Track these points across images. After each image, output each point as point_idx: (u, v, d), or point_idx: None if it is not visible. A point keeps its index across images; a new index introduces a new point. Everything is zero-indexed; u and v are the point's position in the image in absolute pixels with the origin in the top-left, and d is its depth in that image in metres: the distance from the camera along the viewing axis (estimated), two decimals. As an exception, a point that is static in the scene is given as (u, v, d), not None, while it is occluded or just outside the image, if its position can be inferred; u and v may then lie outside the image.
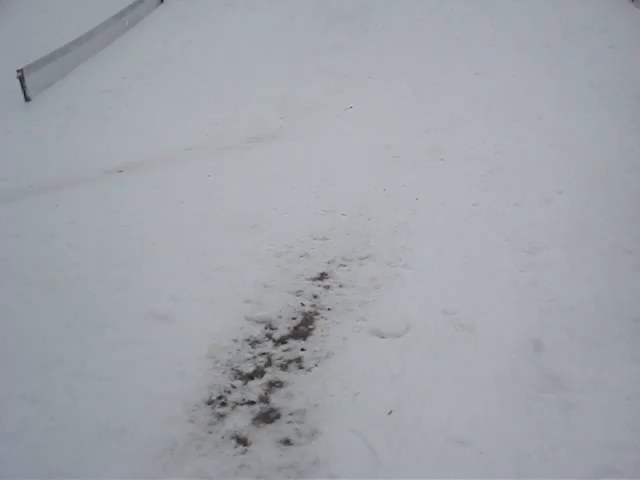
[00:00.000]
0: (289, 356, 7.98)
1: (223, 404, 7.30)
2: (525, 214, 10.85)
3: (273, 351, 8.09)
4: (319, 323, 8.53)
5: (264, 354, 8.04)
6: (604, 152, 12.71)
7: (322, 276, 9.56)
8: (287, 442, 6.76)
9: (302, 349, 8.08)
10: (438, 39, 20.55)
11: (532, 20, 21.29)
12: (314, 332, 8.37)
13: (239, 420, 7.06)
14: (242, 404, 7.29)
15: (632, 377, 7.11)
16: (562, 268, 9.19)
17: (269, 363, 7.89)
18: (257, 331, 8.43)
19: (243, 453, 6.66)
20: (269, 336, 8.36)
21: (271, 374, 7.70)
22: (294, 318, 8.66)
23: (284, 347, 8.14)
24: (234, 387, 7.54)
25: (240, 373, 7.76)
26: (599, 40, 18.77)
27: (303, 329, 8.46)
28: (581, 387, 7.03)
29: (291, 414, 7.09)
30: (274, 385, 7.55)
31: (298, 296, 9.10)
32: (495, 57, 18.52)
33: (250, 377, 7.68)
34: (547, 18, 21.28)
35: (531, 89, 16.10)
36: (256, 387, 7.51)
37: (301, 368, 7.77)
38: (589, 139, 13.31)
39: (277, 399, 7.33)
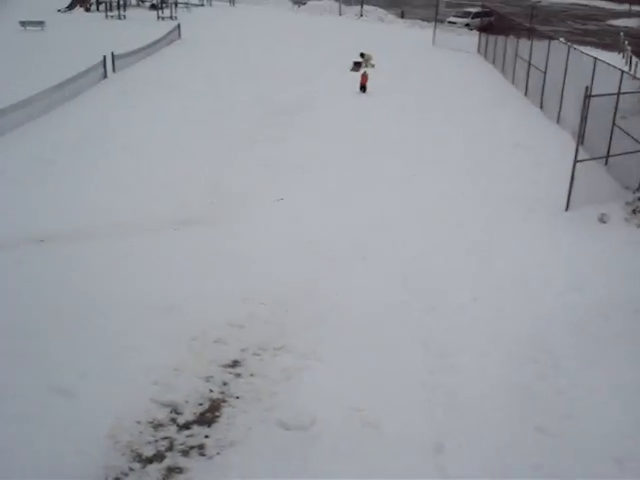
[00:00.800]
0: (192, 442, 7.84)
1: (118, 487, 7.10)
2: (440, 318, 11.09)
3: (176, 436, 7.94)
4: (226, 411, 8.44)
5: (166, 438, 7.88)
6: (519, 264, 13.20)
7: (234, 363, 9.52)
8: (179, 532, 6.60)
9: (206, 436, 7.96)
10: (372, 140, 21.35)
11: (462, 133, 22.40)
12: (220, 419, 8.27)
13: (133, 505, 6.86)
14: (138, 488, 7.09)
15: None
16: (470, 373, 9.38)
17: (171, 448, 7.73)
18: (162, 414, 8.28)
19: (132, 540, 6.46)
20: (174, 420, 8.21)
21: (171, 459, 7.54)
22: (201, 404, 8.55)
23: (188, 432, 8.01)
24: (132, 470, 7.34)
25: (140, 456, 7.57)
26: (524, 157, 19.83)
27: (209, 416, 8.35)
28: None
29: (186, 502, 6.94)
30: (173, 471, 7.38)
31: (208, 382, 9.02)
32: (423, 165, 19.28)
33: (150, 461, 7.50)
34: (478, 132, 22.45)
35: (455, 198, 16.74)
36: (154, 471, 7.34)
37: (203, 455, 7.64)
38: (505, 251, 13.82)
39: (175, 485, 7.16)
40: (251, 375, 9.23)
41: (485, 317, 11.17)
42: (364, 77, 28.15)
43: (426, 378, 9.23)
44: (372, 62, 32.13)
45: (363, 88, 28.00)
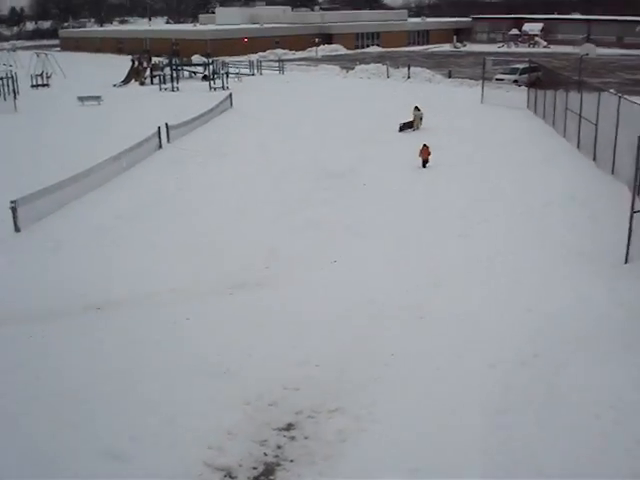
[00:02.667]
0: (246, 507, 7.75)
1: None
2: (499, 376, 10.81)
3: (230, 501, 7.86)
4: (280, 474, 8.34)
5: (220, 504, 7.81)
6: (580, 320, 12.85)
7: (289, 427, 9.42)
8: None
9: (260, 501, 7.86)
10: (422, 200, 21.37)
11: (517, 187, 22.26)
12: (274, 484, 8.16)
13: None
14: None
15: None
16: (529, 431, 9.07)
17: (225, 514, 7.65)
18: (216, 479, 8.20)
19: None
20: (228, 485, 8.15)
21: (226, 526, 7.44)
22: (255, 468, 8.47)
23: (242, 497, 7.92)
24: (186, 537, 7.27)
25: (194, 523, 7.50)
26: (580, 211, 19.54)
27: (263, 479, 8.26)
28: None
29: None
30: (228, 538, 7.27)
31: (262, 445, 8.94)
32: (478, 221, 19.15)
33: (205, 528, 7.42)
34: (532, 187, 22.29)
35: (512, 252, 16.53)
36: (209, 539, 7.24)
37: (258, 521, 7.53)
38: (565, 307, 13.49)
39: None
40: (306, 438, 9.12)
41: (546, 375, 10.85)
42: (426, 151, 25.69)
43: (485, 438, 8.95)
44: (420, 118, 32.56)
45: (424, 163, 25.65)
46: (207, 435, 9.04)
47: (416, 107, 33.02)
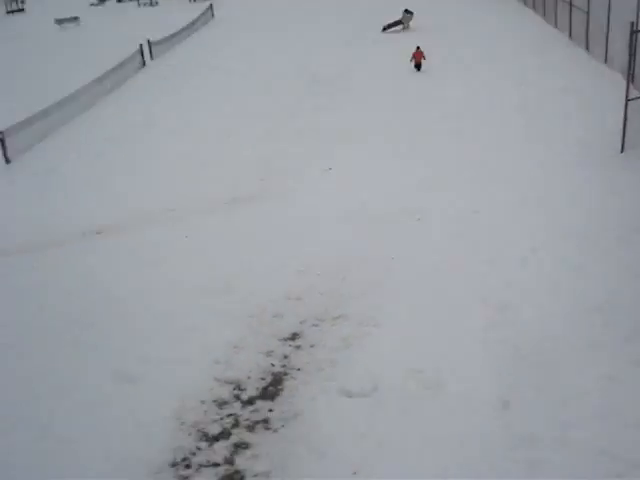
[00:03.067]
0: (256, 417, 7.90)
1: (187, 466, 7.19)
2: (499, 273, 10.86)
3: (240, 412, 8.01)
4: (288, 384, 8.48)
5: (231, 415, 7.96)
6: (577, 211, 12.84)
7: (294, 336, 9.53)
8: (251, 504, 6.68)
9: (270, 410, 8.00)
10: (414, 100, 21.05)
11: (510, 81, 21.89)
12: (283, 393, 8.31)
13: (202, 483, 6.97)
14: (207, 466, 7.18)
15: (597, 435, 7.07)
16: (532, 326, 9.18)
17: (236, 424, 7.80)
18: (225, 392, 8.37)
19: (206, 516, 6.57)
20: (237, 397, 8.28)
21: (237, 435, 7.61)
22: (263, 379, 8.60)
23: (252, 408, 8.06)
24: (199, 449, 7.44)
25: (206, 435, 7.66)
26: (574, 101, 19.27)
27: (272, 390, 8.40)
28: (548, 445, 6.98)
29: (255, 476, 6.98)
30: (240, 447, 7.45)
31: (269, 356, 9.06)
32: (471, 118, 18.93)
33: (216, 439, 7.59)
34: (525, 79, 21.92)
35: (507, 149, 16.40)
36: (221, 449, 7.41)
37: (268, 429, 7.69)
38: (562, 198, 13.46)
39: (242, 461, 7.22)
40: (311, 346, 9.24)
41: (545, 268, 10.90)
42: (419, 53, 24.80)
43: (488, 334, 9.06)
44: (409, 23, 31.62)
45: (418, 66, 24.81)
46: (214, 350, 9.16)
47: (406, 10, 32.01)
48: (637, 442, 6.96)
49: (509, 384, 7.99)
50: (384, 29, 31.71)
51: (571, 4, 26.49)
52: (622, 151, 15.35)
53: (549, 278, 10.56)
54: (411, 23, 31.92)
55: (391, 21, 31.91)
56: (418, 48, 24.61)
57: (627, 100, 15.10)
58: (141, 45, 28.75)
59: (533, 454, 6.87)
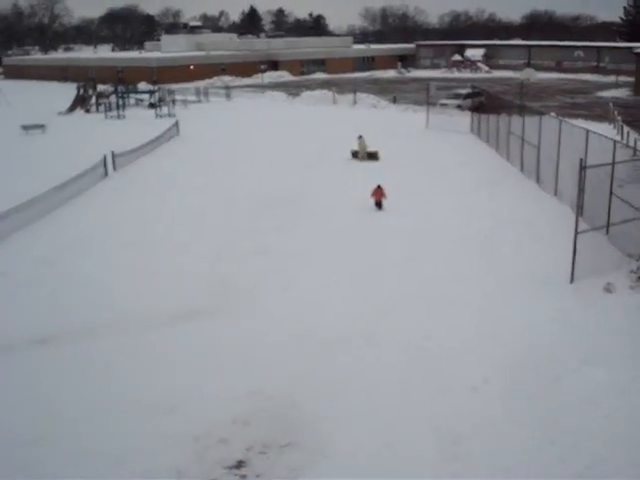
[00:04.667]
0: None
1: None
2: (451, 403, 10.79)
3: None
4: (232, 515, 8.12)
5: None
6: (528, 341, 12.94)
7: (239, 464, 9.21)
8: None
9: None
10: (370, 222, 21.42)
11: (461, 212, 22.48)
12: (226, 525, 7.94)
13: None
14: None
15: None
16: (484, 460, 9.04)
17: None
18: (166, 522, 7.97)
19: None
20: (178, 528, 7.89)
21: None
22: (206, 509, 8.23)
23: (193, 542, 7.68)
24: None
25: None
26: (525, 232, 19.82)
27: (214, 521, 8.03)
28: None
29: None
30: None
31: (213, 485, 8.71)
32: (425, 246, 19.26)
33: None
34: (476, 211, 22.54)
35: (460, 276, 16.63)
36: None
37: None
38: (513, 328, 13.59)
39: None
40: (257, 476, 8.92)
41: (496, 398, 10.88)
42: (379, 192, 23.18)
43: (440, 467, 8.89)
44: (365, 148, 32.35)
45: (378, 205, 23.20)
46: (157, 475, 8.76)
47: (360, 136, 32.81)
48: None
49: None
50: (354, 156, 32.37)
51: (523, 139, 27.76)
52: (571, 282, 15.73)
53: (501, 408, 10.50)
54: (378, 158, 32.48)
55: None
56: (379, 187, 23.27)
57: (576, 233, 15.62)
58: (105, 156, 29.06)
59: None
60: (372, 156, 32.22)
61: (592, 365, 11.89)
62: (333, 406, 10.79)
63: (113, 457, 9.27)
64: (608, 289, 15.26)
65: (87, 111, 54.46)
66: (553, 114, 28.09)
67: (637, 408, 10.36)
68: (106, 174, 29.26)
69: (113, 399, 11.03)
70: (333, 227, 21.28)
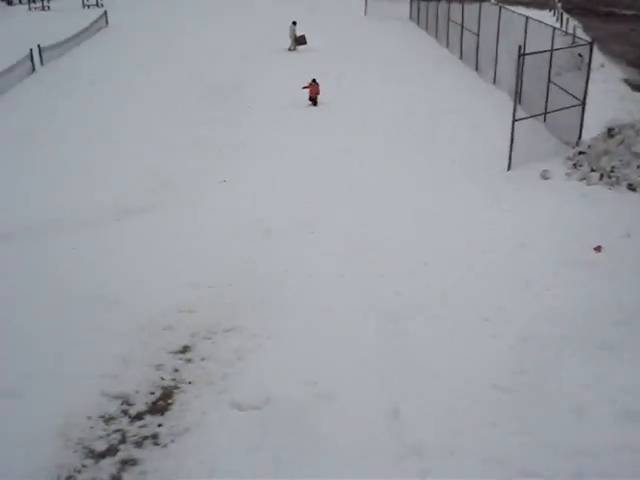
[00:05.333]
0: (145, 432, 7.67)
1: (71, 484, 6.91)
2: (390, 285, 11.03)
3: (128, 428, 7.75)
4: (178, 397, 8.28)
5: (118, 431, 7.69)
6: (465, 227, 13.20)
7: (185, 349, 9.33)
8: (138, 523, 6.46)
9: (159, 425, 7.78)
10: (307, 111, 21.18)
11: (401, 100, 22.37)
12: (173, 407, 8.11)
13: (87, 502, 6.69)
14: (92, 484, 6.91)
15: (485, 442, 7.25)
16: (421, 338, 9.35)
17: (123, 440, 7.54)
18: (113, 407, 8.08)
19: (90, 537, 6.30)
20: (125, 412, 8.02)
21: (125, 452, 7.35)
22: (152, 393, 8.36)
23: (140, 423, 7.82)
24: (85, 466, 7.14)
25: (92, 452, 7.36)
26: (463, 120, 19.88)
27: (161, 404, 8.17)
28: (437, 453, 7.09)
29: (143, 493, 6.78)
30: (127, 463, 7.20)
31: (158, 370, 8.83)
32: (361, 133, 19.18)
33: (102, 455, 7.31)
34: (414, 99, 22.45)
35: (397, 166, 16.70)
36: (108, 466, 7.15)
37: (157, 444, 7.47)
38: (451, 215, 13.81)
39: (130, 477, 6.99)
40: (202, 359, 9.07)
41: (435, 281, 11.16)
42: (314, 87, 22.31)
43: (380, 345, 9.17)
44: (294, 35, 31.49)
45: (313, 101, 22.37)
46: (100, 364, 8.84)
47: (293, 22, 31.81)
48: (522, 450, 7.17)
49: (401, 394, 8.09)
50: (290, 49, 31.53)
51: (462, 26, 27.46)
52: (509, 169, 15.97)
53: (438, 290, 10.80)
54: (306, 42, 31.67)
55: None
56: (314, 81, 22.38)
57: (514, 120, 15.74)
58: (31, 50, 27.72)
59: (424, 463, 6.97)
60: (301, 41, 31.42)
61: (527, 248, 12.21)
62: (274, 292, 10.92)
63: (54, 350, 9.24)
64: (545, 176, 15.52)
65: (9, 3, 51.53)
66: (493, 1, 27.72)
67: (567, 287, 10.74)
68: (34, 69, 28.04)
69: (56, 293, 10.92)
70: (269, 120, 20.98)
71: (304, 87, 22.42)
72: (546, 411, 7.82)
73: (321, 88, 22.50)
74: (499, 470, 6.89)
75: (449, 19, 29.96)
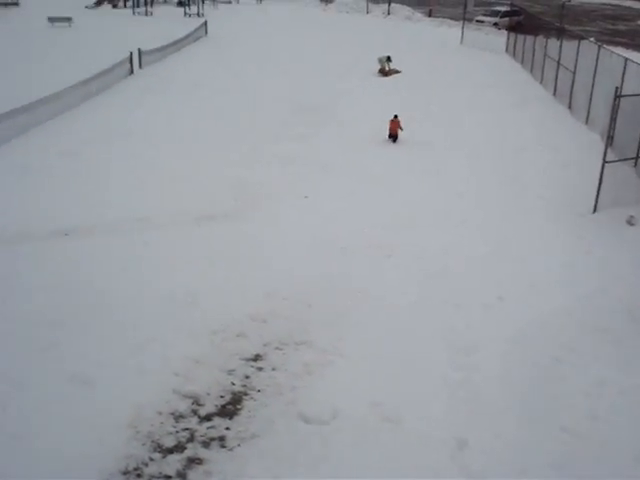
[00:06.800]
0: (213, 434, 7.85)
1: (139, 475, 7.11)
2: (464, 316, 10.97)
3: (197, 427, 7.94)
4: (247, 404, 8.44)
5: (187, 429, 7.89)
6: (546, 266, 13.02)
7: (256, 357, 9.50)
8: (199, 521, 6.61)
9: (227, 428, 7.95)
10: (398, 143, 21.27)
11: (490, 132, 22.25)
12: (241, 412, 8.27)
13: (153, 494, 6.89)
14: (158, 477, 7.11)
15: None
16: (492, 371, 9.27)
17: (191, 439, 7.74)
18: (183, 406, 8.30)
19: (153, 528, 6.49)
20: (195, 412, 8.22)
21: (192, 450, 7.55)
22: (222, 396, 8.55)
23: (209, 424, 8.01)
24: (152, 460, 7.36)
25: (160, 446, 7.58)
26: (552, 158, 19.61)
27: (230, 408, 8.35)
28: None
29: (206, 493, 6.94)
30: (194, 462, 7.39)
31: (230, 375, 9.02)
32: (448, 163, 19.16)
33: (170, 451, 7.52)
34: (505, 132, 22.29)
35: (481, 196, 16.62)
36: (175, 462, 7.35)
37: (224, 447, 7.64)
38: (532, 252, 13.65)
39: (195, 475, 7.16)
40: (273, 369, 9.22)
41: (510, 317, 11.04)
42: (395, 123, 21.11)
43: (449, 375, 9.14)
44: (384, 63, 31.62)
45: (393, 138, 21.07)
46: (174, 363, 9.09)
47: (388, 57, 31.80)
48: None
49: (467, 425, 8.03)
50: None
51: (558, 63, 27.12)
52: (594, 211, 15.66)
53: (511, 326, 10.68)
54: (392, 67, 31.77)
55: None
56: (395, 117, 21.23)
57: (604, 162, 15.45)
58: (131, 53, 28.74)
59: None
60: (386, 73, 31.55)
61: (605, 294, 11.95)
62: (348, 310, 11.00)
63: (130, 344, 9.55)
64: (630, 222, 15.15)
65: (114, 6, 53.60)
66: (592, 39, 27.26)
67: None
68: (132, 71, 29.03)
69: (134, 290, 11.29)
70: (357, 135, 21.14)
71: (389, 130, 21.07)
72: (609, 459, 7.65)
73: (402, 121, 21.22)
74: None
75: (546, 54, 29.63)
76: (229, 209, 15.64)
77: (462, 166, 18.93)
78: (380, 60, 31.78)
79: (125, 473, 7.14)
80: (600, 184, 15.42)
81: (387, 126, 21.16)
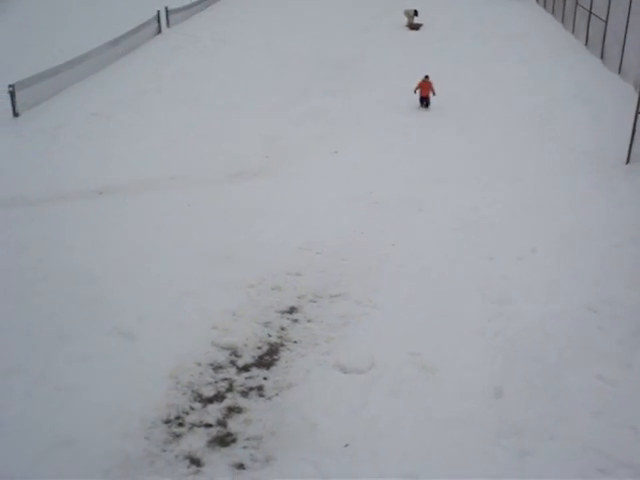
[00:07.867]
0: (251, 384, 7.99)
1: (180, 424, 7.28)
2: (498, 268, 10.96)
3: (235, 377, 8.09)
4: (284, 354, 8.56)
5: (226, 380, 8.04)
6: (578, 216, 12.92)
7: (292, 310, 9.61)
8: (241, 466, 6.75)
9: (264, 378, 8.09)
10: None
11: (522, 84, 21.93)
12: (278, 363, 8.40)
13: (195, 441, 7.04)
14: (199, 426, 7.27)
15: (588, 429, 7.19)
16: (528, 321, 9.29)
17: (230, 389, 7.89)
18: (222, 357, 8.45)
19: (195, 473, 6.63)
20: (233, 363, 8.36)
21: (231, 399, 7.70)
22: (259, 347, 8.68)
23: (247, 375, 8.15)
24: (193, 409, 7.52)
25: (200, 396, 7.75)
26: (584, 109, 19.31)
27: (267, 359, 8.48)
28: (537, 436, 7.08)
29: (247, 439, 7.08)
30: (233, 410, 7.54)
31: (266, 327, 9.14)
32: (480, 117, 18.97)
33: (210, 401, 7.67)
34: (537, 83, 21.95)
35: (513, 151, 16.47)
36: (215, 411, 7.50)
37: (262, 396, 7.78)
38: (564, 203, 13.54)
39: (235, 424, 7.31)
40: (308, 321, 9.33)
41: (543, 267, 11.02)
42: (426, 84, 19.64)
43: (485, 325, 9.18)
44: (411, 17, 31.09)
45: (424, 101, 19.75)
46: (212, 316, 9.23)
47: (415, 11, 31.31)
48: (625, 442, 7.07)
49: (503, 374, 8.09)
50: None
51: (590, 12, 26.49)
52: (627, 162, 15.44)
53: (546, 277, 10.66)
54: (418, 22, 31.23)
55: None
56: (427, 77, 19.77)
57: (637, 112, 15.17)
58: (158, 12, 28.60)
59: (523, 443, 6.98)
60: (414, 28, 31.07)
61: (637, 243, 11.85)
62: (382, 263, 11.06)
63: (168, 298, 9.70)
64: (664, 172, 14.94)
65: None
66: (625, -14, 26.52)
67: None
68: (159, 31, 28.93)
69: (170, 246, 11.44)
70: (385, 89, 20.96)
71: (415, 89, 19.79)
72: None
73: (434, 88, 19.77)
74: (598, 459, 6.82)
75: (577, 3, 28.93)
76: (261, 165, 15.72)
77: (494, 120, 18.72)
78: (407, 13, 31.28)
79: (167, 422, 7.32)
80: (633, 135, 15.17)
81: (416, 84, 19.77)
